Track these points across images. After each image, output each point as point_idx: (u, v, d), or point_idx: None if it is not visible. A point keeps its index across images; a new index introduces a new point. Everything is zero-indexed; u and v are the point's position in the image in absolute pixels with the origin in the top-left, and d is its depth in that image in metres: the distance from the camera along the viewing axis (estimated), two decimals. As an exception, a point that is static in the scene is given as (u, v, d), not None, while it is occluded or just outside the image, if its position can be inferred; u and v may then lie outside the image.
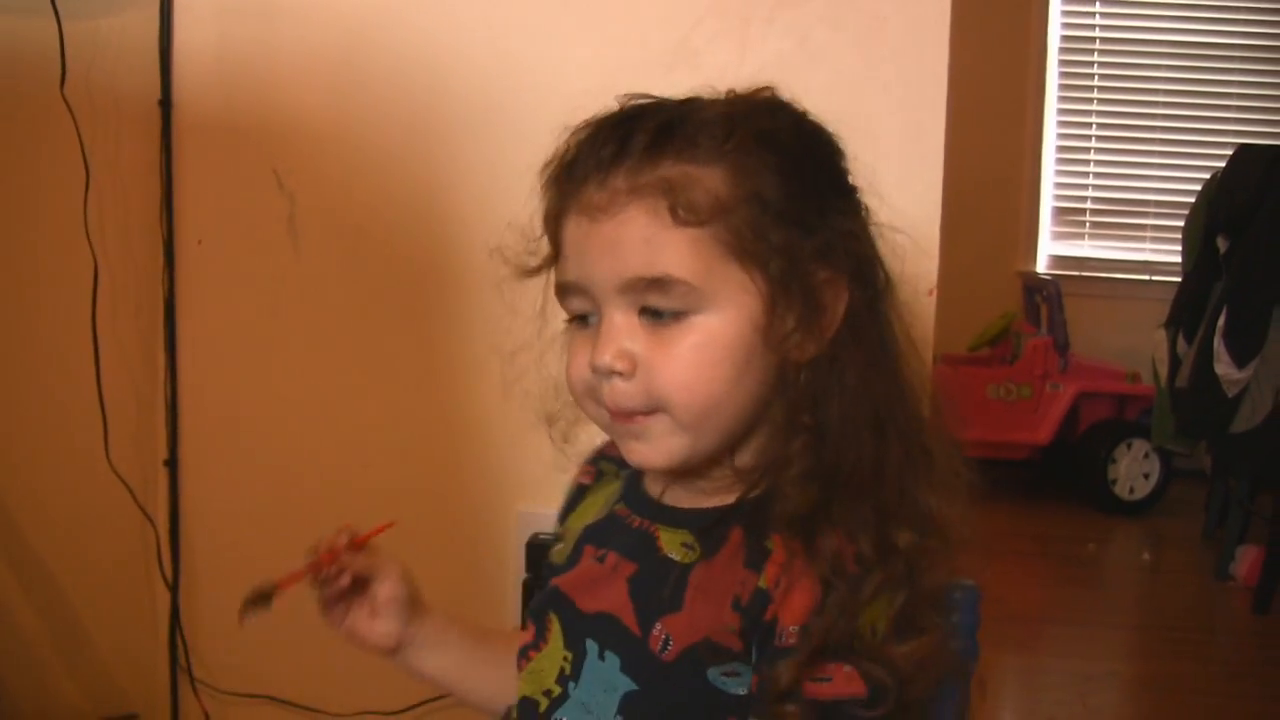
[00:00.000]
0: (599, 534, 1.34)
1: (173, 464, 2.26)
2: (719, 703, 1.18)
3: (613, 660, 1.23)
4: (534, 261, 1.31)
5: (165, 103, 2.19)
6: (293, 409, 2.25)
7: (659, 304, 1.17)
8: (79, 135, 2.14)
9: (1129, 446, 5.53)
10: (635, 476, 1.36)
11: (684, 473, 1.26)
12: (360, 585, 1.38)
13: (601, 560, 1.30)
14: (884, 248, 1.28)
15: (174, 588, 2.28)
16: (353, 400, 2.24)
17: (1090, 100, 6.47)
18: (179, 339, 2.24)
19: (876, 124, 2.00)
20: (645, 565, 1.26)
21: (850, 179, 1.30)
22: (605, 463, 1.43)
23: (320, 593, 1.36)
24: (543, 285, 1.30)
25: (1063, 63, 6.45)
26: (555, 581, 1.33)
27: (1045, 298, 5.69)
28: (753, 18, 2.03)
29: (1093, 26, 6.44)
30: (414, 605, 1.40)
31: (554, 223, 1.26)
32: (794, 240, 1.19)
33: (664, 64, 1.99)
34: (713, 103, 1.25)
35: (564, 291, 1.25)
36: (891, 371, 1.25)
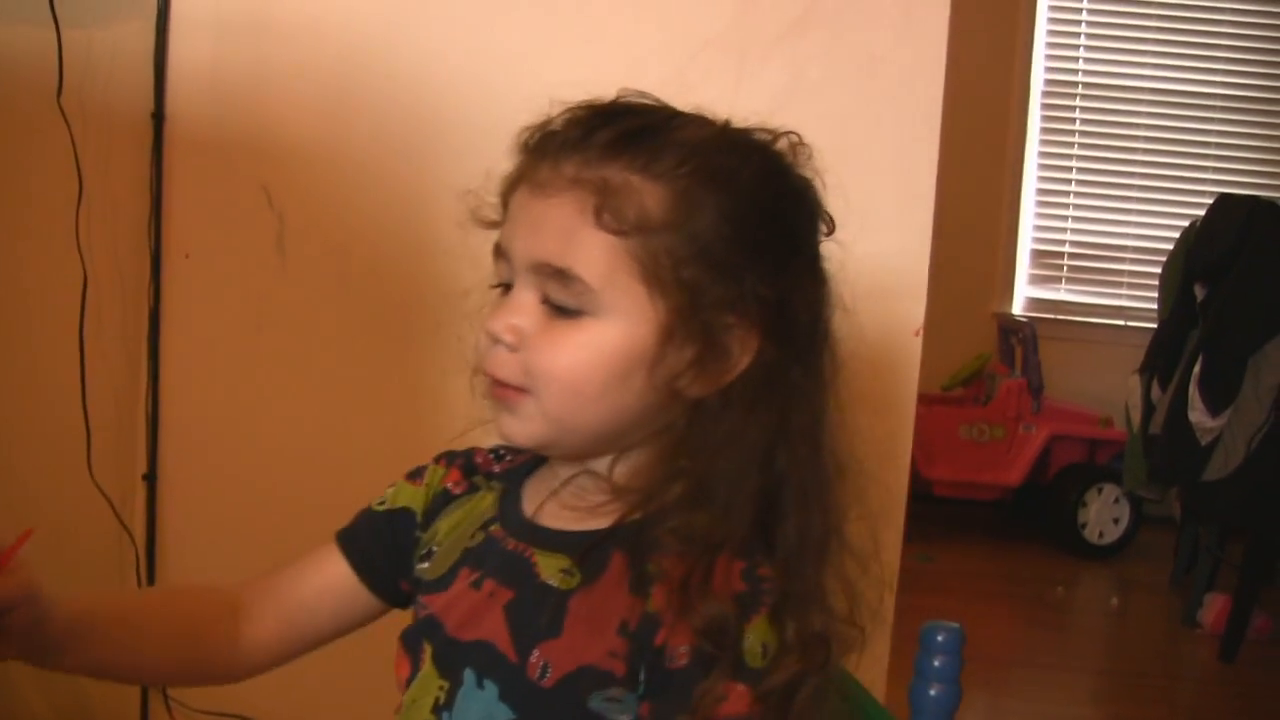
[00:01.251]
0: (475, 558, 1.31)
1: (151, 478, 2.25)
2: None
3: (491, 688, 1.22)
4: (492, 216, 1.31)
5: (158, 116, 2.18)
6: (274, 426, 2.25)
7: (557, 295, 1.18)
8: (73, 145, 2.14)
9: (1100, 491, 5.54)
10: (512, 495, 1.34)
11: (560, 483, 1.26)
12: None
13: (477, 586, 1.27)
14: (840, 320, 1.27)
15: (148, 602, 2.27)
16: (334, 420, 2.23)
17: (1071, 145, 6.50)
18: (163, 353, 2.23)
19: (869, 163, 2.01)
20: (522, 592, 1.24)
21: (811, 244, 1.28)
22: (479, 477, 1.40)
23: None
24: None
25: (1045, 107, 6.47)
26: (430, 609, 1.30)
27: (1020, 340, 5.70)
28: (749, 53, 2.04)
29: (1075, 72, 6.47)
30: (38, 621, 1.21)
31: (509, 186, 1.26)
32: (708, 281, 1.19)
33: (659, 95, 2.00)
34: (700, 126, 1.24)
35: (496, 254, 1.25)
36: (798, 439, 1.23)
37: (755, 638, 1.12)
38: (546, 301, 1.19)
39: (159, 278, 2.21)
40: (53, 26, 2.10)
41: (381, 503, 1.41)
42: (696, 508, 1.18)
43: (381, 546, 1.39)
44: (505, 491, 1.35)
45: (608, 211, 1.16)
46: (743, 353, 1.20)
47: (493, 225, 1.31)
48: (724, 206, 1.19)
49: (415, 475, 1.42)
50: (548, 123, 1.25)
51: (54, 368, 2.20)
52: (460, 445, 1.44)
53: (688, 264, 1.18)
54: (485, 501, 1.37)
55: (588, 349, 1.18)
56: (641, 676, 1.15)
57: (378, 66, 2.15)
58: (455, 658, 1.25)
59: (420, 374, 2.19)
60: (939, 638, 1.53)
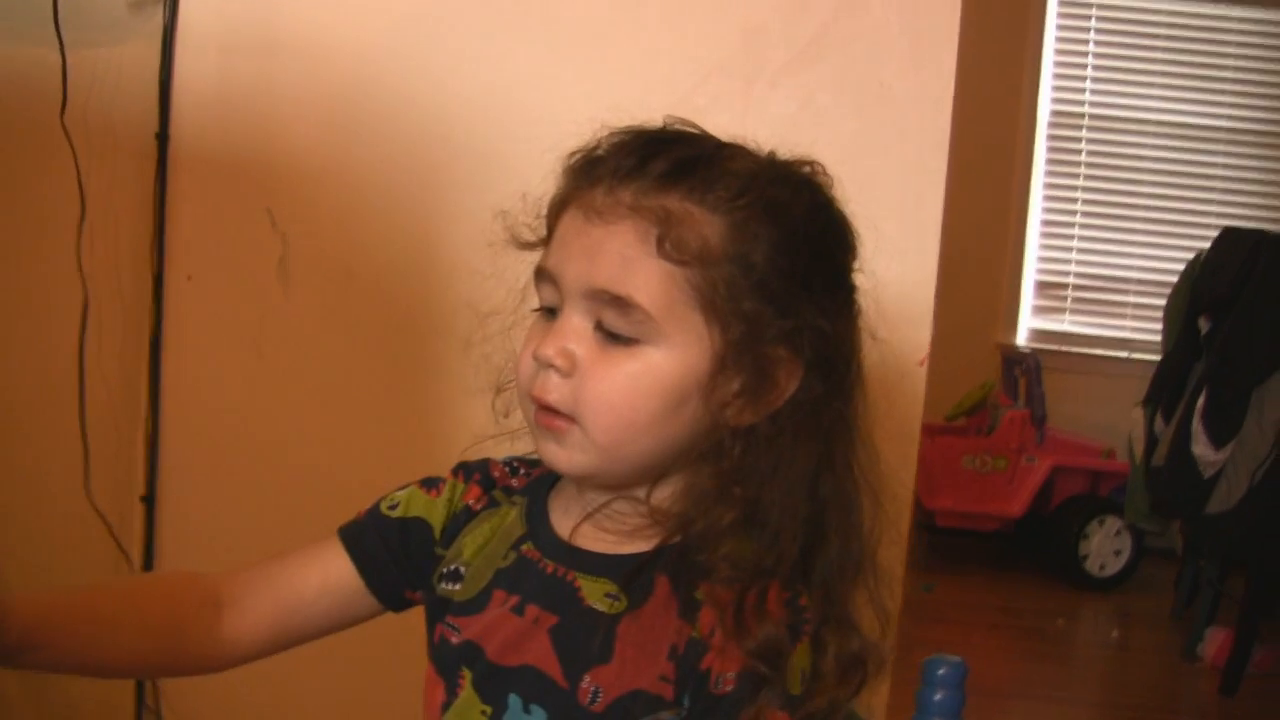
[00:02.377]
0: (510, 579, 1.31)
1: (150, 500, 2.24)
2: None
3: (539, 713, 1.23)
4: (529, 237, 1.33)
5: (162, 136, 2.18)
6: (275, 449, 2.24)
7: (614, 323, 1.19)
8: (76, 165, 2.14)
9: (1101, 523, 5.51)
10: (539, 512, 1.35)
11: (595, 507, 1.27)
12: None
13: (520, 612, 1.27)
14: (867, 354, 1.32)
15: (145, 626, 2.25)
16: (336, 443, 2.23)
17: (1076, 176, 6.49)
18: (163, 375, 2.22)
19: (876, 191, 1.99)
20: (568, 617, 1.25)
21: (850, 279, 1.31)
22: (499, 492, 1.40)
23: None
24: (531, 261, 1.31)
25: (1051, 138, 6.47)
26: (466, 635, 1.30)
27: (1024, 370, 5.69)
28: (756, 80, 2.04)
29: (1082, 103, 6.47)
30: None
31: (556, 210, 1.28)
32: (764, 314, 1.21)
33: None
34: (748, 156, 1.26)
35: (540, 277, 1.26)
36: (840, 467, 1.27)
37: (796, 664, 1.16)
38: (600, 328, 1.20)
39: (161, 299, 2.20)
40: (57, 46, 2.09)
41: (393, 506, 1.41)
42: (748, 535, 1.21)
43: (390, 552, 1.38)
44: (530, 507, 1.36)
45: (669, 241, 1.18)
46: (789, 383, 1.23)
47: (528, 246, 1.34)
48: (778, 239, 1.22)
49: (430, 485, 1.41)
50: (595, 147, 1.27)
51: (53, 388, 2.19)
52: (473, 456, 1.44)
53: (745, 295, 1.21)
54: (510, 518, 1.37)
55: (643, 378, 1.20)
56: (685, 701, 1.17)
57: (383, 89, 2.15)
58: (499, 683, 1.25)
59: (424, 396, 2.18)
60: (941, 671, 1.52)
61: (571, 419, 1.21)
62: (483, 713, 1.26)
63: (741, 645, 1.14)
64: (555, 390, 1.21)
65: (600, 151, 1.26)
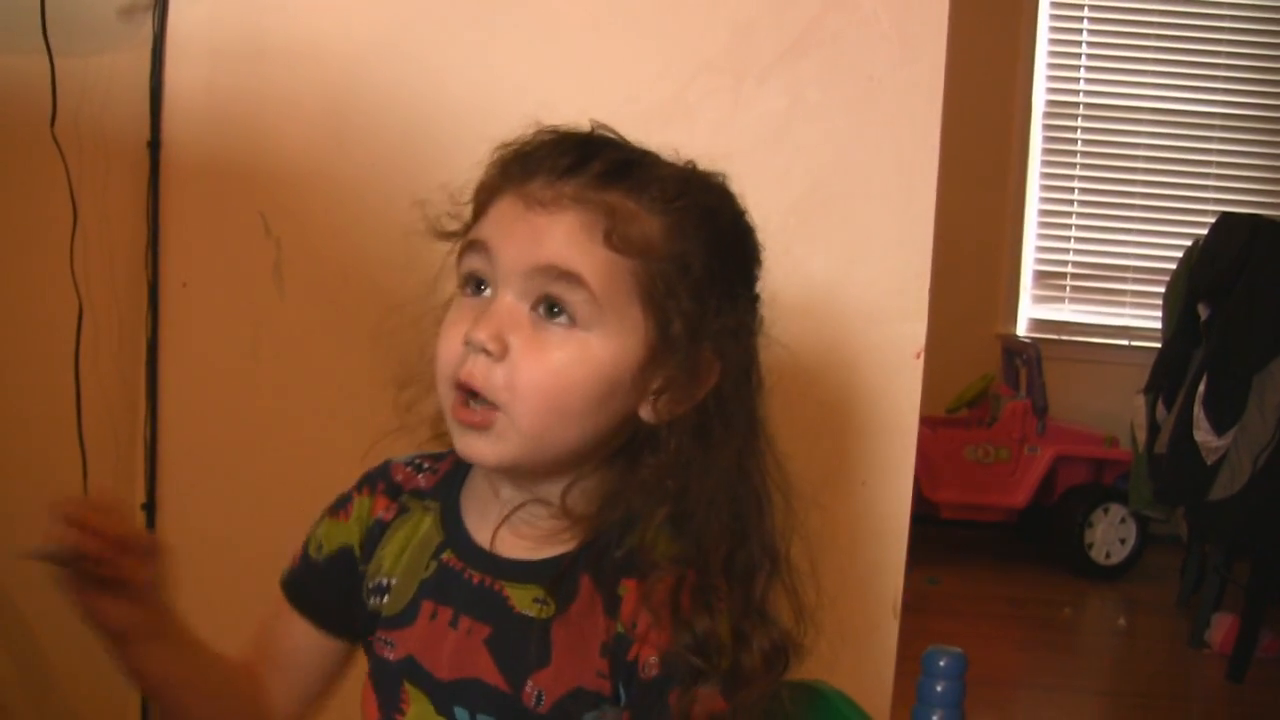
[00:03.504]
0: (435, 590, 1.32)
1: (150, 508, 2.24)
2: None
3: None
4: (452, 225, 1.36)
5: (154, 144, 2.17)
6: (273, 455, 2.23)
7: (561, 296, 1.21)
8: (67, 174, 2.13)
9: (1106, 511, 5.52)
10: (454, 518, 1.35)
11: (510, 510, 1.29)
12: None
13: (454, 625, 1.29)
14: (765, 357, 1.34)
15: (148, 634, 2.25)
16: (334, 446, 2.22)
17: (1073, 165, 6.49)
18: (161, 382, 2.22)
19: (867, 186, 2.01)
20: (501, 625, 1.27)
21: (757, 286, 1.35)
22: (407, 497, 1.41)
23: (75, 569, 1.22)
24: (446, 254, 1.34)
25: (1046, 128, 6.47)
26: (402, 650, 1.31)
27: (1024, 361, 5.69)
28: (746, 76, 2.04)
29: (1076, 92, 6.47)
30: (157, 592, 1.27)
31: (487, 195, 1.30)
32: (695, 311, 1.25)
33: (657, 119, 1.99)
34: (672, 164, 1.30)
35: (471, 248, 1.28)
36: (752, 463, 1.30)
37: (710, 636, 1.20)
38: (538, 309, 1.22)
39: (156, 306, 2.20)
40: (46, 55, 2.09)
41: (318, 548, 1.42)
42: (674, 531, 1.25)
43: (333, 593, 1.40)
44: (444, 513, 1.36)
45: (616, 234, 1.21)
46: (708, 378, 1.26)
47: (449, 236, 1.36)
48: (710, 242, 1.27)
49: (339, 508, 1.44)
50: (528, 142, 1.30)
51: (50, 398, 2.19)
52: (374, 460, 1.46)
53: (681, 292, 1.25)
54: (425, 525, 1.37)
55: (578, 363, 1.21)
56: (622, 692, 1.21)
57: (375, 92, 2.15)
58: (445, 696, 1.27)
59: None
60: (941, 663, 1.53)
61: (495, 407, 1.21)
62: None
63: (678, 639, 1.18)
64: (483, 375, 1.21)
65: (530, 147, 1.29)
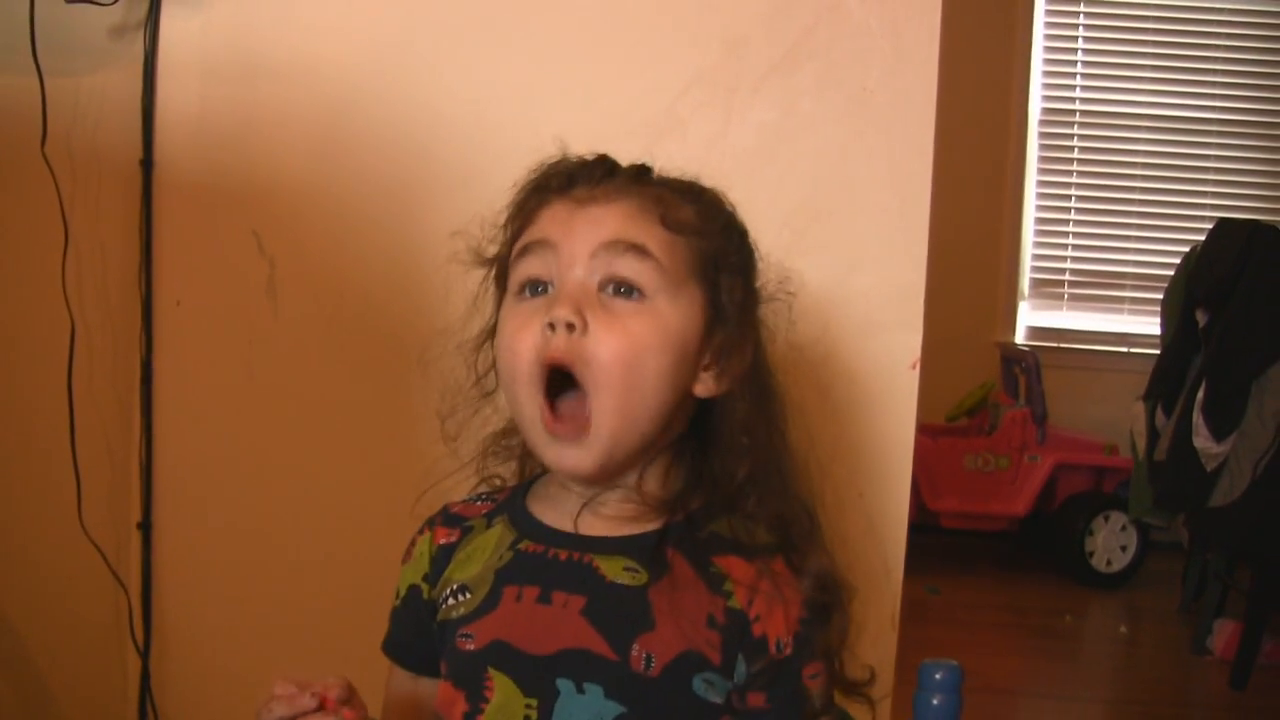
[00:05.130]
0: (516, 574, 1.36)
1: (146, 527, 2.23)
2: (697, 711, 1.28)
3: (594, 690, 1.27)
4: (491, 250, 1.45)
5: (146, 162, 2.17)
6: (269, 474, 2.23)
7: (630, 271, 1.30)
8: (59, 194, 2.13)
9: (1106, 519, 5.51)
10: (522, 516, 1.41)
11: (588, 498, 1.36)
12: None
13: (546, 601, 1.32)
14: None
15: (145, 654, 2.24)
16: (331, 466, 2.22)
17: (1070, 172, 6.49)
18: (155, 401, 2.22)
19: (861, 196, 2.01)
20: (596, 594, 1.31)
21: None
22: (469, 521, 1.46)
23: None
24: (480, 279, 1.45)
25: (1043, 135, 6.47)
26: (485, 638, 1.34)
27: (1023, 369, 5.69)
28: (738, 88, 2.04)
29: (1073, 100, 6.47)
30: None
31: (528, 210, 1.38)
32: (737, 286, 1.37)
33: (650, 132, 2.00)
34: (673, 175, 1.42)
35: (527, 251, 1.35)
36: (787, 441, 1.41)
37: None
38: (608, 285, 1.30)
39: (150, 325, 2.19)
40: (36, 75, 2.09)
41: (396, 596, 1.49)
42: (762, 495, 1.36)
43: (414, 633, 1.45)
44: (514, 516, 1.42)
45: (669, 217, 1.33)
46: (747, 350, 1.37)
47: (490, 262, 1.45)
48: (727, 227, 1.39)
49: (406, 555, 1.49)
50: (551, 165, 1.39)
51: (43, 419, 2.18)
52: (432, 497, 1.54)
53: (724, 266, 1.36)
54: (495, 531, 1.42)
55: (653, 331, 1.30)
56: (741, 667, 1.29)
57: (366, 110, 2.15)
58: (543, 672, 1.30)
59: (415, 416, 2.17)
60: (936, 675, 1.51)
61: (584, 427, 1.29)
62: (528, 705, 1.29)
63: (801, 588, 1.31)
64: (569, 349, 1.28)
65: (559, 166, 1.38)
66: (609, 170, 1.36)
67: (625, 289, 1.30)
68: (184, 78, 2.17)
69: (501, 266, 1.42)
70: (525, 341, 1.30)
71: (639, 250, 1.30)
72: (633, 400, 1.29)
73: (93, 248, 2.19)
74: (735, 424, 1.36)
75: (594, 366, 1.27)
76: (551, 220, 1.34)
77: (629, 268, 1.30)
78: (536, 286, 1.33)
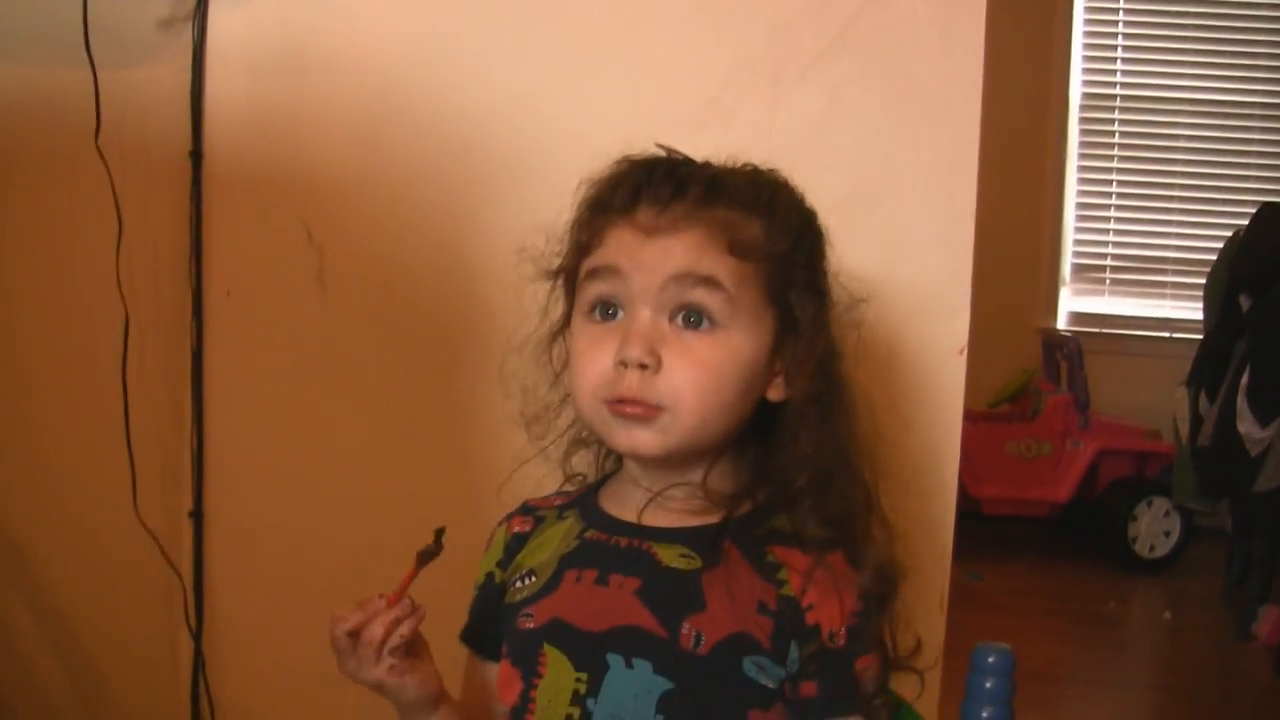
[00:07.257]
0: (578, 559, 1.41)
1: (197, 515, 2.25)
2: (748, 693, 1.31)
3: (643, 666, 1.31)
4: (558, 262, 1.47)
5: (196, 154, 2.19)
6: (318, 462, 2.24)
7: (701, 301, 1.32)
8: (112, 185, 2.14)
9: (1149, 504, 5.50)
10: (593, 509, 1.46)
11: (656, 492, 1.39)
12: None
13: (603, 582, 1.37)
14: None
15: (197, 637, 2.27)
16: (379, 454, 2.23)
17: (1111, 158, 6.47)
18: (206, 390, 2.23)
19: (908, 184, 2.00)
20: (650, 577, 1.35)
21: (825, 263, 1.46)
22: (541, 511, 1.51)
23: (399, 630, 1.34)
24: (548, 288, 1.49)
25: (1083, 120, 6.45)
26: (543, 616, 1.38)
27: (1065, 355, 5.67)
28: (783, 76, 2.04)
29: (1114, 84, 6.45)
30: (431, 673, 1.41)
31: (593, 228, 1.40)
32: (805, 297, 1.39)
33: (695, 122, 2.00)
34: (741, 170, 1.43)
35: (596, 275, 1.38)
36: (850, 438, 1.43)
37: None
38: (678, 317, 1.33)
39: (200, 315, 2.21)
40: (89, 68, 2.11)
41: (475, 584, 1.53)
42: (823, 496, 1.37)
43: (496, 623, 1.48)
44: (584, 509, 1.47)
45: (736, 243, 1.34)
46: (811, 357, 1.39)
47: (556, 273, 1.48)
48: (796, 230, 1.40)
49: (486, 546, 1.54)
50: (615, 175, 1.41)
51: (98, 407, 2.20)
52: (513, 494, 1.57)
53: (791, 281, 1.38)
54: (566, 522, 1.47)
55: (727, 361, 1.34)
56: (794, 654, 1.31)
57: (413, 100, 2.15)
58: (594, 647, 1.34)
59: (465, 406, 2.18)
60: (990, 659, 1.52)
61: (658, 408, 1.32)
62: (578, 679, 1.34)
63: (860, 580, 1.33)
64: (641, 387, 1.31)
65: (623, 179, 1.39)
66: (677, 188, 1.35)
67: (696, 318, 1.33)
68: (232, 70, 2.18)
69: (570, 276, 1.45)
70: (595, 367, 1.35)
71: (709, 283, 1.32)
72: (706, 420, 1.34)
73: (144, 238, 2.20)
74: (802, 434, 1.39)
75: (672, 395, 1.32)
76: (619, 248, 1.36)
77: (699, 299, 1.33)
78: (608, 309, 1.37)
